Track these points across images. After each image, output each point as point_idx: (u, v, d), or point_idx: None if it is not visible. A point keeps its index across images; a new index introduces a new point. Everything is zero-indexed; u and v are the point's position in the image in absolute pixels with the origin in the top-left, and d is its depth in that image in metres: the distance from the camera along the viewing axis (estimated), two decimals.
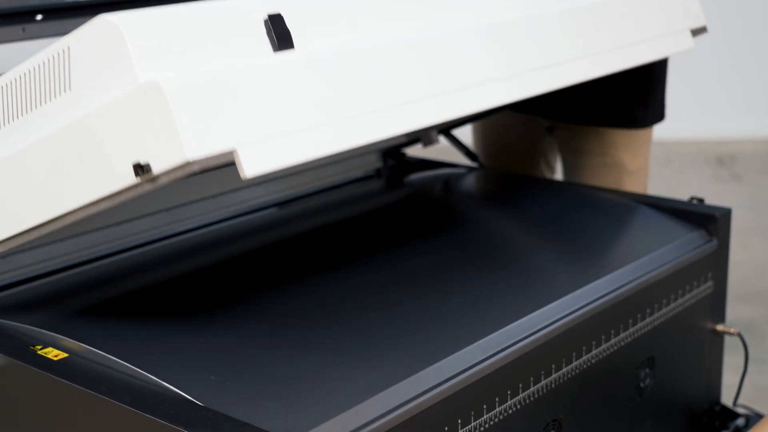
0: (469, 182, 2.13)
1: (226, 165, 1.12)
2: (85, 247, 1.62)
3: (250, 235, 1.81)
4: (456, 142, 2.20)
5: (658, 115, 2.28)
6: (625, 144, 2.25)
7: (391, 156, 2.17)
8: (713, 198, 2.01)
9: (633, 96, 2.21)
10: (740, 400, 1.93)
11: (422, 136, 2.11)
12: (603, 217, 1.93)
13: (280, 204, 1.92)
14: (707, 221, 1.81)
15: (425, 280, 1.61)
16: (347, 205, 1.98)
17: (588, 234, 1.87)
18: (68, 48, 1.20)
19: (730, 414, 1.87)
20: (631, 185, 2.27)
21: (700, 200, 1.89)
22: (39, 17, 1.63)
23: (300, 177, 1.97)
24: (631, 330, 1.61)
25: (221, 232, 1.79)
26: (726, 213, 1.83)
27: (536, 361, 1.43)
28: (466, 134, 2.44)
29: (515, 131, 2.36)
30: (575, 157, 2.31)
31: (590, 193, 2.01)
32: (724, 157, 5.57)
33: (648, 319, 1.65)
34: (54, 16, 1.64)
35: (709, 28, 1.82)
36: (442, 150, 2.33)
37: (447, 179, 2.13)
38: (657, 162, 5.47)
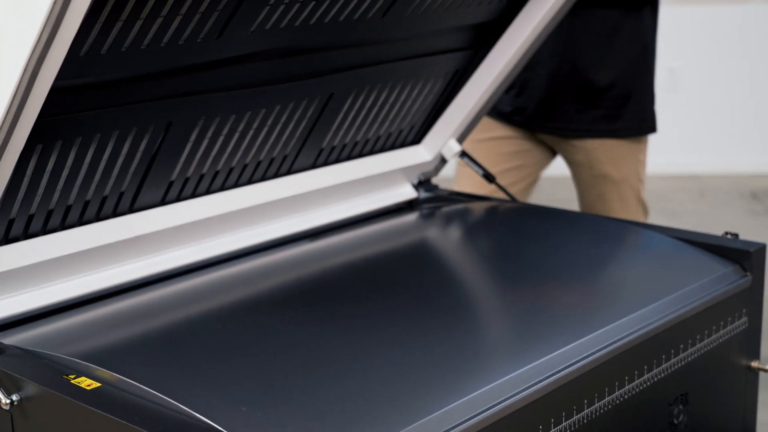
0: (501, 216, 2.13)
1: None
2: (117, 278, 1.63)
3: (282, 269, 1.82)
4: (475, 163, 2.21)
5: (640, 128, 2.71)
6: (606, 158, 2.71)
7: (424, 187, 2.17)
8: (748, 233, 2.00)
9: (610, 110, 2.68)
10: None
11: None
12: (636, 251, 1.93)
13: (313, 234, 1.93)
14: (741, 256, 1.79)
15: (457, 314, 1.61)
16: (380, 239, 1.98)
17: (621, 268, 1.86)
18: None
19: None
20: (617, 192, 2.72)
21: (735, 235, 1.88)
22: None
23: (332, 208, 1.97)
24: (664, 366, 1.60)
25: (253, 264, 1.80)
26: (761, 248, 1.81)
27: (568, 395, 1.42)
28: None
29: (528, 154, 2.81)
30: (574, 169, 2.81)
31: (624, 227, 2.00)
32: (759, 192, 5.53)
33: (682, 355, 1.63)
34: None
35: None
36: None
37: (479, 213, 2.13)
38: (691, 195, 5.45)
